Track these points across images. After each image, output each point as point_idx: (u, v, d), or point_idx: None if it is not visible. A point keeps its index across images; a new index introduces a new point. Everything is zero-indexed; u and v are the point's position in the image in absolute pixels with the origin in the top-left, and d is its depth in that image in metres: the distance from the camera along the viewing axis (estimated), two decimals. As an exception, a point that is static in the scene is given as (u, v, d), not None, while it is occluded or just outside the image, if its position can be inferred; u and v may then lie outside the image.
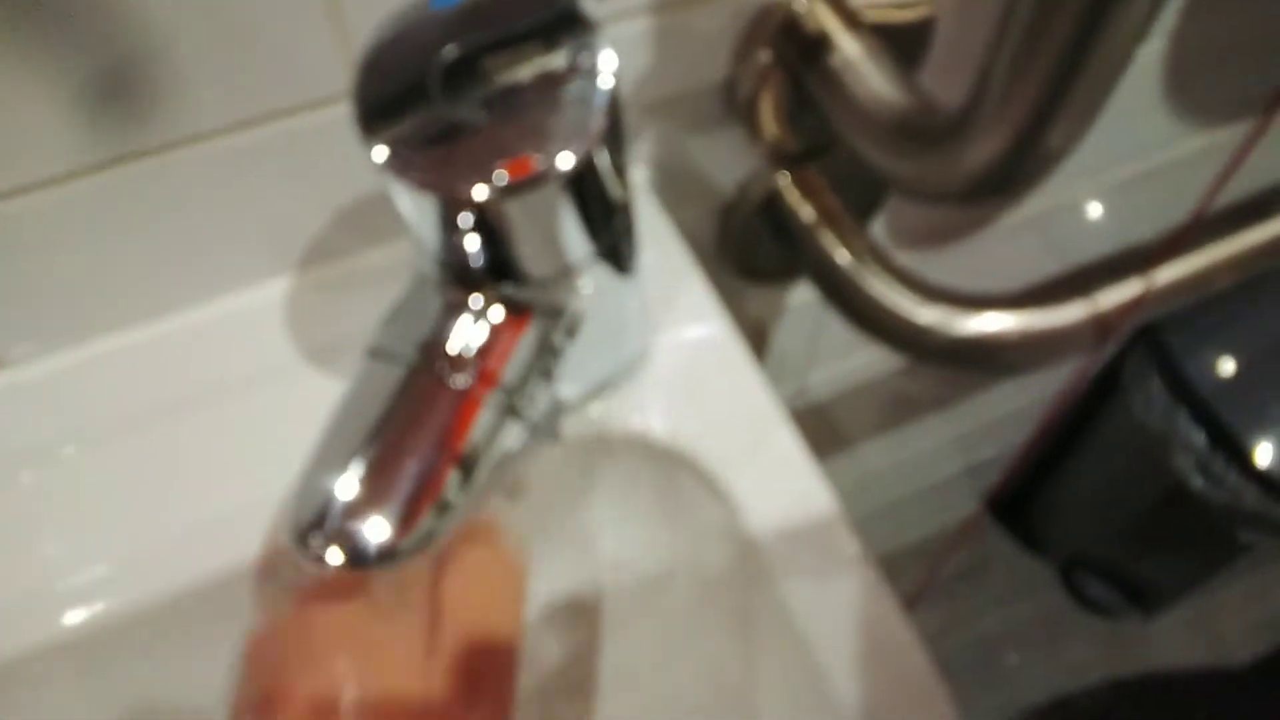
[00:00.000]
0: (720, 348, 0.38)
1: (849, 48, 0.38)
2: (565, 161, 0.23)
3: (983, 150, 0.32)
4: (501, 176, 0.23)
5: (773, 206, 0.47)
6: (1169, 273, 0.45)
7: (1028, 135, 0.31)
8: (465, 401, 0.26)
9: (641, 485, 0.38)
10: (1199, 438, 0.84)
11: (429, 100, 0.24)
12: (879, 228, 0.55)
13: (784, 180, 0.47)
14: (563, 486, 0.39)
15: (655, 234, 0.41)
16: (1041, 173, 0.33)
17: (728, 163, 0.45)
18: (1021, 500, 1.20)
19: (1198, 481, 0.85)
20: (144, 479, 0.35)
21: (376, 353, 0.27)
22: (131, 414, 0.36)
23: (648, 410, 0.37)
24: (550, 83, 0.24)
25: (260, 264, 0.38)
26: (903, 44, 0.42)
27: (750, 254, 0.50)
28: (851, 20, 0.39)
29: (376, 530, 0.24)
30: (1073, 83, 0.28)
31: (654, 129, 0.41)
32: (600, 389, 0.37)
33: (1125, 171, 0.65)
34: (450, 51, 0.24)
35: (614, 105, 0.25)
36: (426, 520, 0.25)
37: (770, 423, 0.37)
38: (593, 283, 0.30)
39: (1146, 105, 0.57)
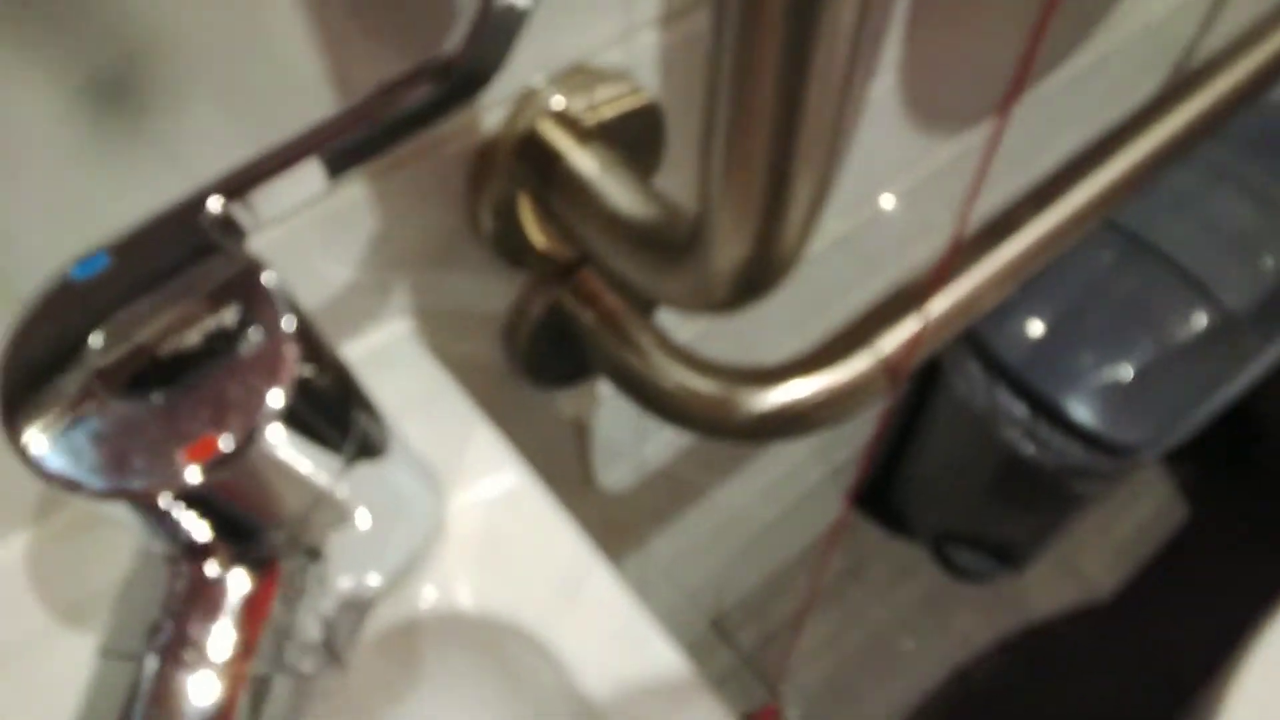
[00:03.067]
0: (518, 498, 0.36)
1: (584, 163, 0.37)
2: (262, 418, 0.21)
3: (722, 254, 0.31)
4: (191, 465, 0.21)
5: (554, 318, 0.46)
6: (941, 304, 0.46)
7: (761, 228, 0.30)
8: (221, 691, 0.23)
9: (466, 662, 0.36)
10: (1020, 409, 0.88)
11: (89, 390, 0.21)
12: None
13: (561, 291, 0.46)
14: (383, 686, 0.36)
15: (429, 391, 0.39)
16: (790, 261, 0.32)
17: (497, 289, 0.44)
18: (882, 491, 1.24)
19: (1028, 448, 0.89)
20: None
21: (108, 652, 0.24)
22: None
23: (454, 584, 0.35)
24: (221, 339, 0.21)
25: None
26: (640, 141, 0.42)
27: (543, 367, 0.49)
28: (581, 133, 0.38)
29: None
30: (791, 162, 0.27)
31: (405, 281, 0.39)
32: (400, 572, 0.34)
33: (901, 185, 0.67)
34: (97, 339, 0.21)
35: (302, 329, 0.22)
36: None
37: (583, 564, 0.35)
38: (350, 485, 0.28)
39: (895, 129, 0.59)
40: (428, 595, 0.34)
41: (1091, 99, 0.76)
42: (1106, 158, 0.49)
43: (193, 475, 0.21)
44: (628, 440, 0.65)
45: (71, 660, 0.32)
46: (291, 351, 0.21)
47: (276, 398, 0.21)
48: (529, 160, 0.37)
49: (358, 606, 0.33)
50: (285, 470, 0.24)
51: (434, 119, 0.28)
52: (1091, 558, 1.28)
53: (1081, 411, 0.86)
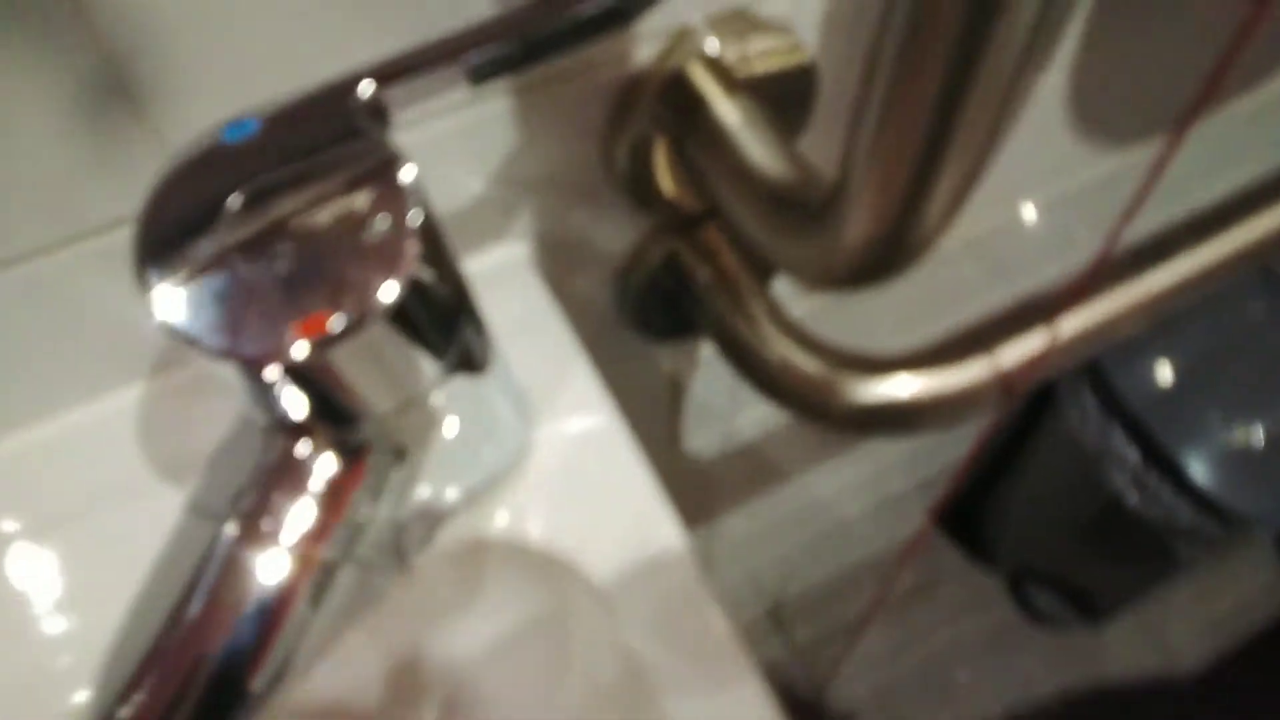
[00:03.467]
0: (603, 441, 0.36)
1: (727, 114, 0.36)
2: (374, 307, 0.21)
3: (852, 229, 0.30)
4: (301, 340, 0.21)
5: (671, 268, 0.45)
6: (1073, 323, 0.44)
7: (900, 207, 0.29)
8: (289, 572, 0.24)
9: (526, 591, 0.36)
10: (1132, 454, 0.83)
11: (219, 253, 0.21)
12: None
13: (681, 241, 0.45)
14: (444, 597, 0.36)
15: (536, 318, 0.38)
16: (923, 247, 0.31)
17: (620, 228, 0.43)
18: (968, 513, 1.20)
19: (1133, 498, 0.85)
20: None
21: (196, 508, 0.25)
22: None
23: (526, 513, 0.35)
24: (352, 222, 0.22)
25: (108, 373, 0.35)
26: (789, 100, 0.40)
27: (651, 317, 0.48)
28: (730, 83, 0.37)
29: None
30: (943, 147, 0.26)
31: (531, 204, 0.39)
32: (477, 491, 0.35)
33: (1045, 193, 0.64)
34: (236, 200, 0.21)
35: (428, 229, 0.22)
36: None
37: (655, 521, 0.35)
38: (446, 394, 0.28)
39: (1053, 131, 0.56)
40: (501, 518, 0.35)
41: (1276, 134, 0.70)
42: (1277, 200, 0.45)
43: (299, 350, 0.21)
44: (721, 407, 0.64)
45: (162, 511, 0.33)
46: (413, 248, 0.21)
47: (391, 290, 0.21)
48: (672, 101, 0.37)
49: (433, 514, 0.33)
50: (387, 363, 0.24)
51: (587, 39, 0.27)
52: (1180, 627, 1.21)
53: (1199, 469, 0.81)
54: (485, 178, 0.36)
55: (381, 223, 0.21)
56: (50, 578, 0.33)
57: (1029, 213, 0.65)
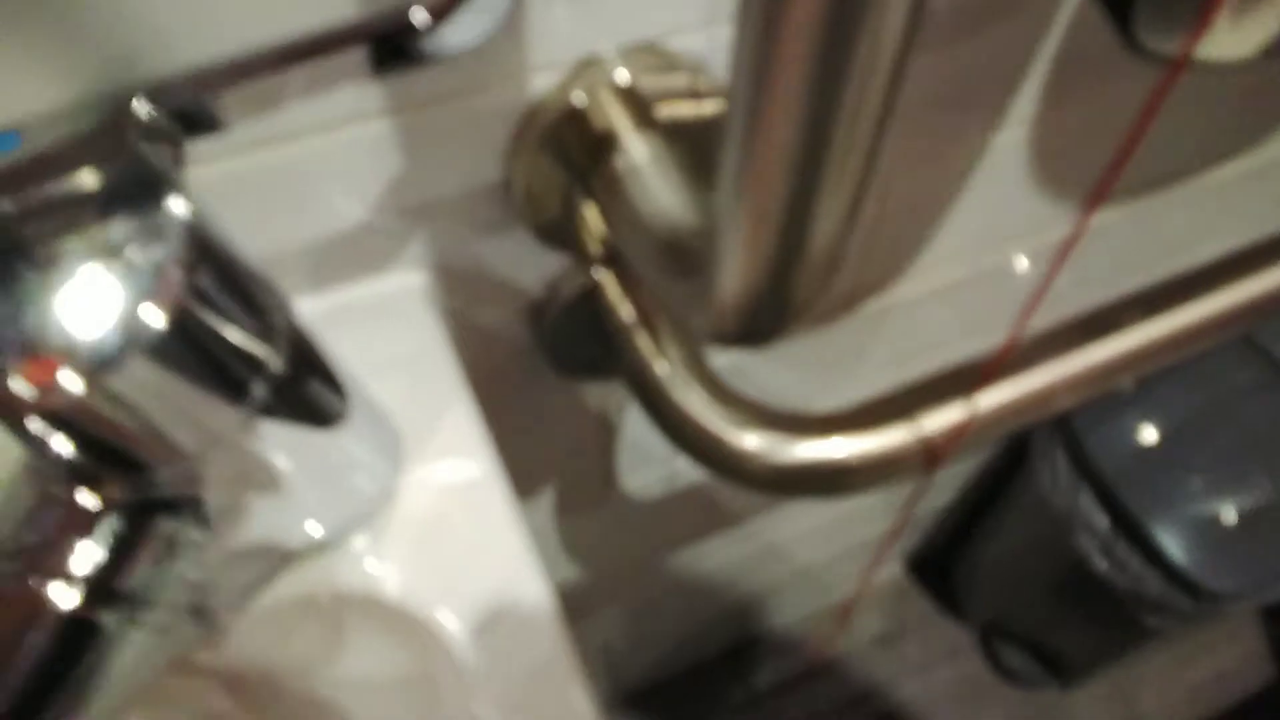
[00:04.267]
0: (477, 490, 0.34)
1: (636, 150, 0.34)
2: (115, 346, 0.19)
3: (729, 283, 0.28)
4: (46, 382, 0.18)
5: (588, 305, 0.43)
6: (994, 396, 0.41)
7: (769, 261, 0.26)
8: (57, 633, 0.22)
9: (384, 642, 0.34)
10: (1101, 520, 0.80)
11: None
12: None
13: (602, 275, 0.42)
14: (303, 646, 0.34)
15: (422, 352, 0.36)
16: (804, 307, 0.28)
17: (532, 261, 0.41)
18: (941, 561, 1.16)
19: (1101, 564, 0.82)
20: None
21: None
22: None
23: (386, 559, 0.32)
24: (108, 254, 0.19)
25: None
26: (707, 143, 0.38)
27: (570, 355, 0.46)
28: (644, 118, 0.35)
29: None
30: (810, 191, 0.23)
31: (424, 232, 0.36)
32: (331, 538, 0.32)
33: (1026, 247, 0.61)
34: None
35: (214, 264, 0.20)
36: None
37: (523, 581, 0.32)
38: (277, 436, 0.26)
39: (1017, 187, 0.54)
40: (357, 566, 0.32)
41: (1263, 205, 0.67)
42: (1246, 270, 0.42)
43: (49, 396, 0.19)
44: (660, 447, 0.61)
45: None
46: (174, 282, 0.19)
47: (150, 322, 0.19)
48: (578, 130, 0.34)
49: (263, 565, 0.30)
50: (166, 410, 0.22)
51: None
52: (1153, 695, 1.17)
53: (1170, 542, 0.77)
54: (369, 203, 0.34)
55: (142, 253, 0.19)
56: None
57: (1012, 263, 0.63)
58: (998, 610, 1.12)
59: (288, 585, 0.32)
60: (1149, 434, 0.81)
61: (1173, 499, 0.79)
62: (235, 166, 0.30)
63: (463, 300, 0.40)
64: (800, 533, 0.97)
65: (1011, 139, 0.47)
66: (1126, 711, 1.17)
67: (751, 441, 0.40)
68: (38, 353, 0.19)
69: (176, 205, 0.19)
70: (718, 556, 0.90)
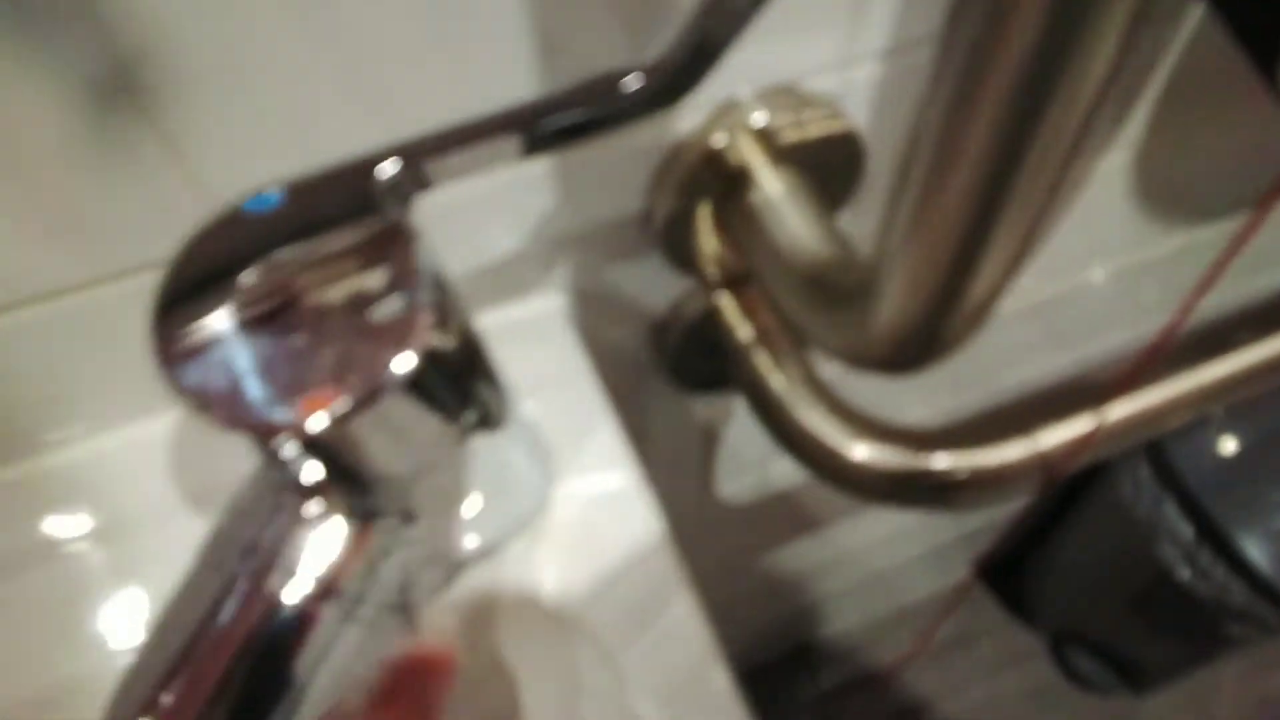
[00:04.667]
0: (624, 499, 0.36)
1: (770, 185, 0.36)
2: (385, 382, 0.21)
3: (886, 315, 0.30)
4: (309, 414, 0.21)
5: (709, 324, 0.45)
6: (1122, 409, 0.42)
7: (934, 299, 0.28)
8: (293, 631, 0.24)
9: (536, 644, 0.36)
10: (1186, 529, 0.80)
11: (233, 324, 0.22)
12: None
13: (722, 299, 0.45)
14: (457, 641, 0.37)
15: (567, 373, 0.39)
16: (956, 340, 0.30)
17: (657, 284, 0.43)
18: (1013, 569, 1.17)
19: (1184, 573, 0.82)
20: (20, 627, 0.34)
21: (205, 561, 0.25)
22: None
23: (541, 570, 0.35)
24: (365, 300, 0.22)
25: (144, 398, 0.36)
26: (836, 171, 0.40)
27: (686, 370, 0.48)
28: (775, 154, 0.37)
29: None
30: (984, 237, 0.25)
31: (569, 259, 0.39)
32: (493, 545, 0.35)
33: (1104, 266, 0.62)
34: (251, 274, 0.22)
35: (442, 303, 0.23)
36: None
37: (669, 587, 0.34)
38: (458, 456, 0.28)
39: (1118, 208, 0.55)
40: (515, 574, 0.35)
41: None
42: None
43: (308, 424, 0.21)
44: (756, 457, 0.63)
45: (184, 541, 0.34)
46: (425, 324, 0.22)
47: (403, 366, 0.22)
48: (716, 169, 0.36)
49: (445, 569, 0.33)
50: (401, 433, 0.24)
51: (636, 117, 0.27)
52: (1228, 706, 1.16)
53: (1255, 551, 0.78)
54: (524, 234, 0.36)
55: (393, 301, 0.22)
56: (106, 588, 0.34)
57: (1096, 278, 0.64)
58: (1070, 616, 1.12)
59: (453, 587, 0.34)
60: (1231, 444, 0.81)
61: (1257, 509, 0.79)
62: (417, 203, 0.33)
63: (595, 320, 0.42)
64: (874, 539, 0.99)
65: (1119, 161, 0.48)
66: (1199, 719, 1.17)
67: (868, 454, 0.42)
68: (306, 389, 0.22)
69: (425, 257, 0.22)
70: (795, 561, 0.91)
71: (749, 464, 0.64)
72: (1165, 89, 0.45)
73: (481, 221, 0.35)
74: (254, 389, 0.21)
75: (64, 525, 0.36)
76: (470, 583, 0.35)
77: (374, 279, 0.22)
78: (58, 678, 0.33)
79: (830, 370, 0.54)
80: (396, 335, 0.22)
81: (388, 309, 0.22)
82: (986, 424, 0.42)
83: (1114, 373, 0.43)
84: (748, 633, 1.10)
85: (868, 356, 0.32)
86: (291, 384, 0.22)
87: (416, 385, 0.23)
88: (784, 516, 0.78)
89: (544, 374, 0.38)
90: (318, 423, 0.22)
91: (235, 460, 0.31)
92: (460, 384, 0.26)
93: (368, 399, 0.21)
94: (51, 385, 0.34)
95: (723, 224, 0.39)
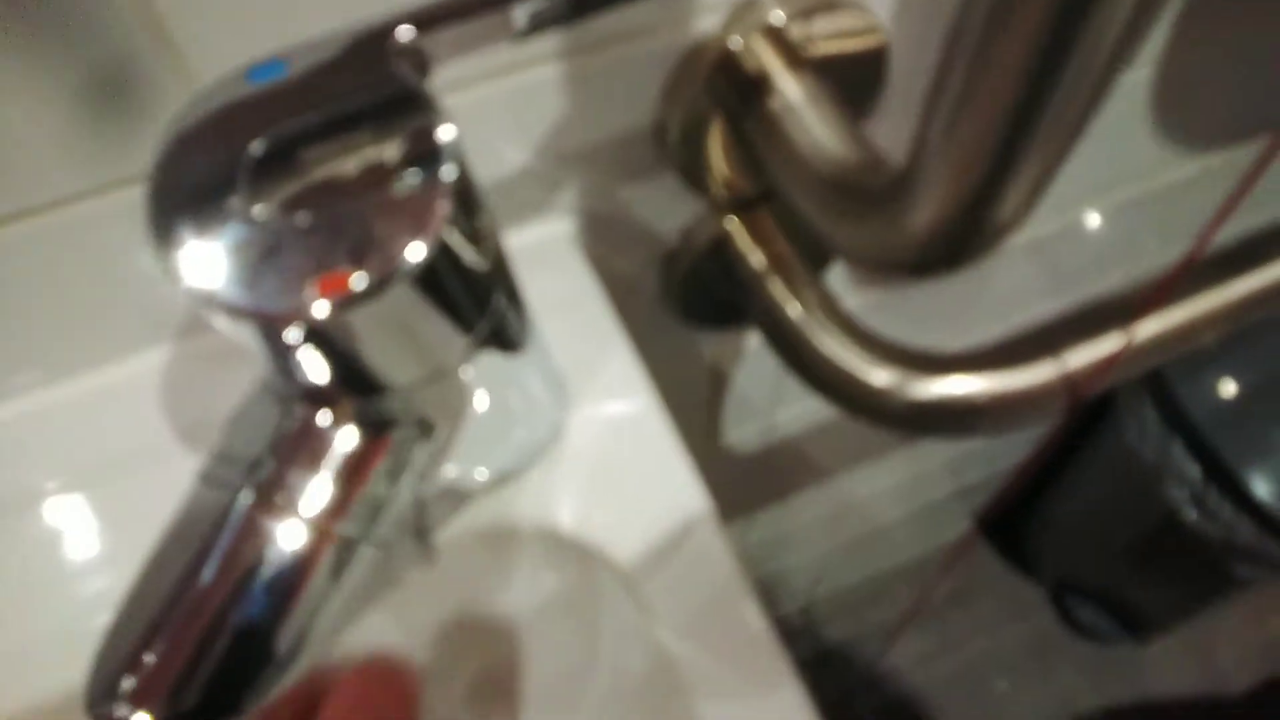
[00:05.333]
0: (641, 426, 0.34)
1: (790, 90, 0.34)
2: (399, 267, 0.20)
3: (922, 215, 0.28)
4: (319, 297, 0.19)
5: (720, 252, 0.43)
6: (1151, 326, 0.41)
7: (975, 195, 0.26)
8: (305, 545, 0.23)
9: (553, 576, 0.35)
10: (1193, 469, 0.80)
11: (238, 204, 0.20)
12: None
13: (732, 225, 0.43)
14: (471, 579, 0.35)
15: (578, 297, 0.37)
16: (995, 238, 0.29)
17: (668, 209, 0.41)
18: (1013, 521, 1.16)
19: (1191, 514, 0.81)
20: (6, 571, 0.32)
21: (209, 477, 0.23)
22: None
23: (558, 497, 0.33)
24: (381, 175, 0.20)
25: (138, 332, 0.34)
26: (856, 81, 0.38)
27: (696, 304, 0.46)
28: (794, 58, 0.35)
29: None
30: (1026, 135, 0.24)
31: (577, 178, 0.37)
32: (508, 471, 0.33)
33: (1116, 196, 0.61)
34: (258, 147, 0.20)
35: (462, 188, 0.21)
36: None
37: (692, 511, 0.33)
38: (477, 369, 0.27)
39: (1134, 130, 0.53)
40: (531, 501, 0.33)
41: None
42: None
43: (320, 309, 0.20)
44: (763, 401, 0.62)
45: (181, 478, 0.32)
46: (445, 208, 0.20)
47: (419, 250, 0.20)
48: (732, 74, 0.35)
49: (459, 493, 0.32)
50: (414, 331, 0.22)
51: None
52: (1230, 649, 1.17)
53: (1263, 487, 0.77)
54: (531, 149, 0.34)
55: (412, 179, 0.20)
56: (84, 536, 0.32)
57: (1095, 218, 0.62)
58: (1072, 567, 1.12)
59: (464, 517, 0.33)
60: (1240, 384, 0.80)
61: (1266, 446, 0.78)
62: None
63: (603, 248, 0.41)
64: (876, 491, 0.98)
65: (1139, 78, 0.47)
66: (1202, 665, 1.17)
67: (888, 378, 0.40)
68: (314, 273, 0.20)
69: (445, 132, 0.20)
70: (797, 515, 0.90)
71: (757, 409, 0.62)
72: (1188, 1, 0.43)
73: (484, 134, 0.33)
74: (259, 275, 0.19)
75: (40, 472, 0.34)
76: (484, 513, 0.33)
77: (391, 152, 0.20)
78: (39, 630, 0.32)
79: (849, 302, 0.53)
80: (413, 221, 0.20)
81: (405, 188, 0.20)
82: (1010, 346, 0.41)
83: (1143, 291, 0.42)
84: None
85: (897, 260, 0.30)
86: (299, 269, 0.20)
87: (431, 279, 0.21)
88: (784, 467, 0.77)
89: (555, 299, 0.36)
90: (324, 310, 0.20)
91: (223, 399, 0.30)
92: (478, 287, 0.24)
93: (378, 286, 0.20)
94: (16, 322, 0.32)
95: (738, 138, 0.37)
